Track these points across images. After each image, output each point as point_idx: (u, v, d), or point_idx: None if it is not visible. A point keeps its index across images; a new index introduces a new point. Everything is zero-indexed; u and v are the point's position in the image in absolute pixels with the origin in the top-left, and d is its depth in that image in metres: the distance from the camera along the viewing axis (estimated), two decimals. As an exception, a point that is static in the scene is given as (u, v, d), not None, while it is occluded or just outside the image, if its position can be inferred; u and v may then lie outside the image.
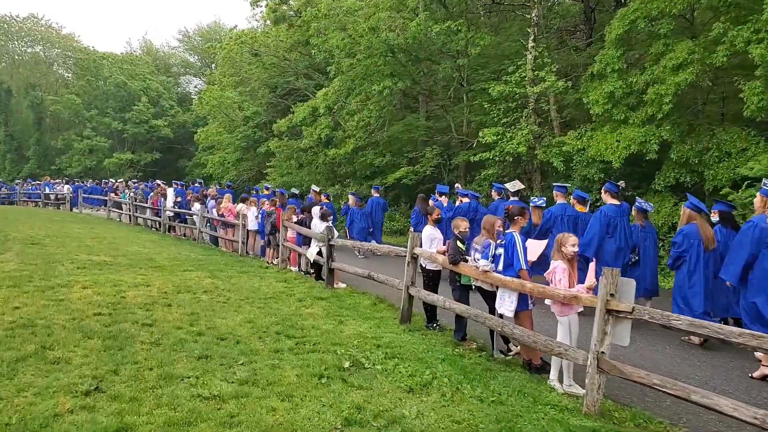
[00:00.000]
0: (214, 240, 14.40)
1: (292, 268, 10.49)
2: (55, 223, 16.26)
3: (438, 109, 19.60)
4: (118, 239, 13.50)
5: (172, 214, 16.54)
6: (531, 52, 14.75)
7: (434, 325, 6.12)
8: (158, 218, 17.31)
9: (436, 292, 6.00)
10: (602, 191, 7.78)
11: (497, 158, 14.61)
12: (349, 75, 17.58)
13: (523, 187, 10.27)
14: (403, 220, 19.06)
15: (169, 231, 16.97)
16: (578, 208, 8.51)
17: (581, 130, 13.65)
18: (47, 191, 26.77)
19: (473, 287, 5.50)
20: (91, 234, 14.18)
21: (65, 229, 14.99)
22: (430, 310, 6.13)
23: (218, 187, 20.83)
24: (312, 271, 9.53)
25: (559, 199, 8.55)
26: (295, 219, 10.30)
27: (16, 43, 46.46)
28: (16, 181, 32.83)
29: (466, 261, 5.34)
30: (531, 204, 9.44)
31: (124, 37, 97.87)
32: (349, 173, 22.16)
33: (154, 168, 42.54)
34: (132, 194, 19.78)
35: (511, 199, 10.19)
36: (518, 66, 14.64)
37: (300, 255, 10.26)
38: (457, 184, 14.37)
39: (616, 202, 7.40)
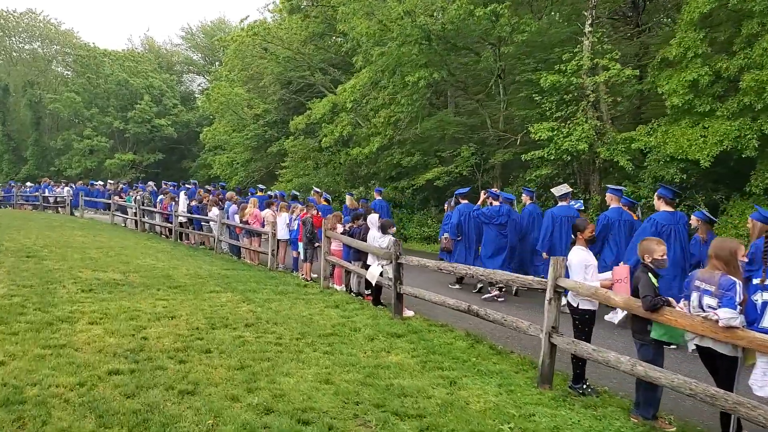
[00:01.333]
0: (235, 250, 12.68)
1: (337, 287, 8.78)
2: (54, 230, 14.57)
3: (472, 103, 17.91)
4: (127, 249, 11.83)
5: (184, 219, 14.84)
6: (588, 38, 13.10)
7: (584, 386, 4.37)
8: (169, 224, 15.60)
9: (589, 341, 4.28)
10: (655, 197, 6.99)
11: (552, 157, 12.91)
12: (378, 65, 15.89)
13: (570, 190, 8.88)
14: (436, 225, 17.40)
15: (180, 238, 15.29)
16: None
17: (654, 125, 12.00)
18: (46, 193, 25.05)
19: (691, 349, 3.60)
20: (96, 243, 12.52)
21: (66, 236, 13.32)
22: (580, 365, 4.38)
23: (215, 188, 19.22)
24: (368, 292, 7.85)
25: (614, 203, 7.85)
26: (340, 229, 8.62)
27: (14, 39, 44.74)
28: None
29: (671, 305, 3.62)
30: None
31: (125, 34, 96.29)
32: (371, 174, 20.42)
33: (156, 169, 40.79)
34: (138, 197, 18.05)
35: (560, 204, 8.58)
36: (574, 53, 12.97)
37: (348, 272, 8.58)
38: (519, 192, 12.69)
39: (670, 209, 6.71)
